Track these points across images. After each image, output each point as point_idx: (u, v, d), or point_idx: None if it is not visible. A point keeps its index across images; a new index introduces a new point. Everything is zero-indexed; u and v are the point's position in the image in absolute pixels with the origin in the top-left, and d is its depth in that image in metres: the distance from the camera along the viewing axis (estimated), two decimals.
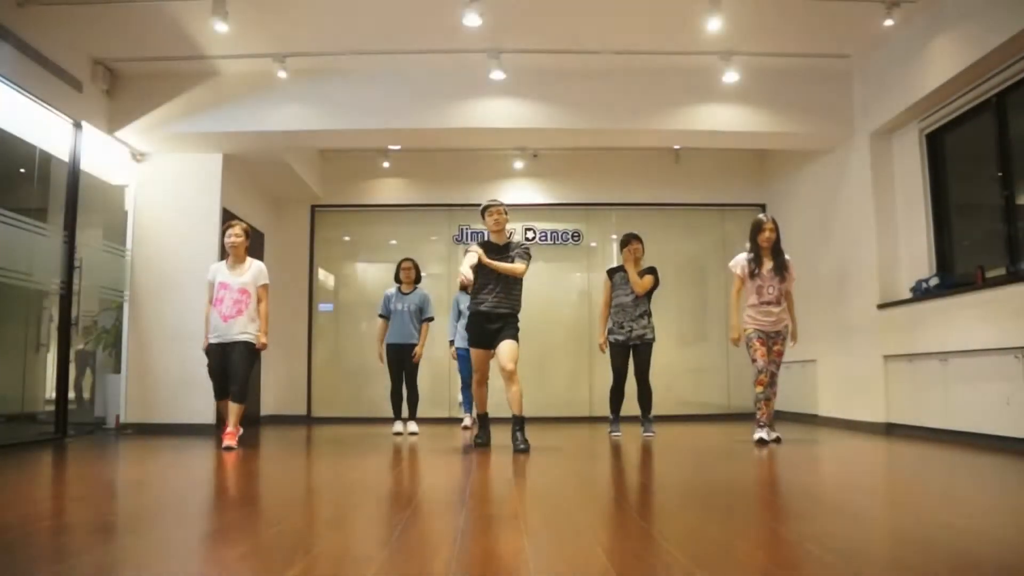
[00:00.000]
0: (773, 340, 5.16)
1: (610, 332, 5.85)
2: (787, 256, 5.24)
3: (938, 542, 2.18)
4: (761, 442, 5.00)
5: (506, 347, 4.81)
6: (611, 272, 5.96)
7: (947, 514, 2.66)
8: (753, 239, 5.21)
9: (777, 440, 5.10)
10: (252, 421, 7.47)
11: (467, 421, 7.01)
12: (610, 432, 5.85)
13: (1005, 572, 1.91)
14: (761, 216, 5.28)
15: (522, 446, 4.69)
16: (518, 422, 4.82)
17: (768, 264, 5.16)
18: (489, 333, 4.89)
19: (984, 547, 2.15)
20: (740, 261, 5.23)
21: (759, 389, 5.11)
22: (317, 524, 2.54)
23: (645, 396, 5.85)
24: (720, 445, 5.07)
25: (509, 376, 4.77)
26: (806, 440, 5.55)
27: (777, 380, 5.19)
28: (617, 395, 5.87)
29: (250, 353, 5.16)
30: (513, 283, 4.92)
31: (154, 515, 2.80)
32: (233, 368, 5.11)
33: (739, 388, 8.15)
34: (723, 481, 3.66)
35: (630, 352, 5.81)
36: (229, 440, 4.98)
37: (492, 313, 4.87)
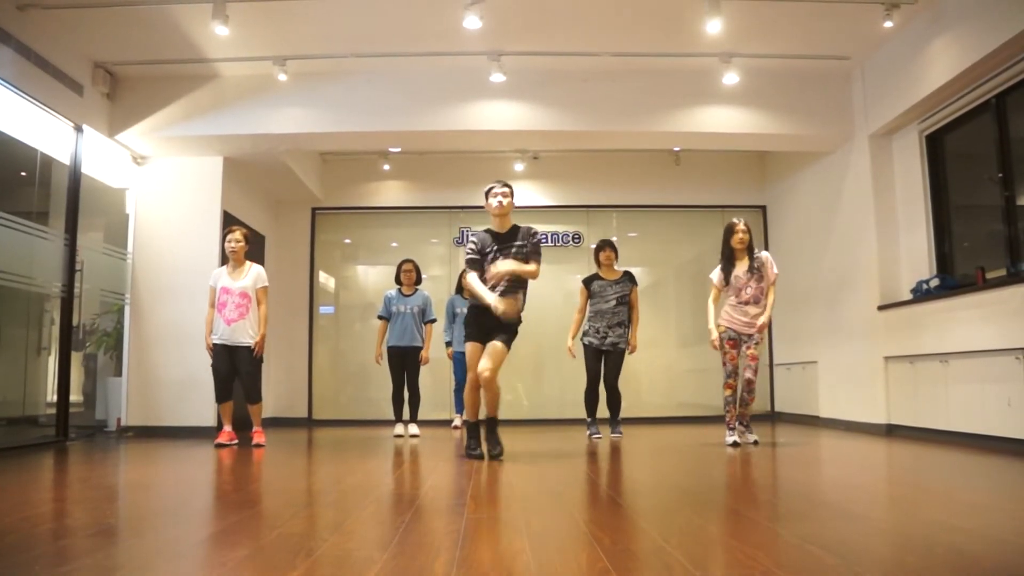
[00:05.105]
0: (747, 344, 5.13)
1: (585, 335, 5.87)
2: (765, 253, 5.22)
3: (939, 543, 2.18)
4: (735, 445, 5.03)
5: (491, 350, 4.35)
6: (587, 281, 5.96)
7: (948, 515, 2.66)
8: (726, 242, 5.22)
9: (755, 443, 5.15)
10: (251, 424, 7.46)
11: (457, 422, 7.06)
12: (589, 435, 5.83)
13: (1006, 573, 1.91)
14: (734, 219, 5.28)
15: (495, 451, 4.42)
16: (492, 423, 4.50)
17: (743, 266, 5.16)
18: (487, 328, 4.44)
19: (985, 548, 2.15)
20: (716, 272, 5.28)
21: (727, 393, 5.16)
22: (319, 526, 2.54)
23: (614, 401, 5.88)
24: (720, 446, 5.06)
25: (485, 384, 4.33)
26: (807, 441, 5.55)
27: (755, 386, 5.12)
28: (592, 397, 5.89)
29: (255, 357, 5.45)
30: (517, 280, 4.48)
31: (156, 518, 2.80)
32: (243, 375, 5.43)
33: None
34: (723, 482, 3.66)
35: (602, 355, 5.83)
36: (258, 438, 5.46)
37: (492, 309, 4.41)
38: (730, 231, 5.21)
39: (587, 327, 5.88)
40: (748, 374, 5.08)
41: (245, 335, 5.39)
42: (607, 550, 2.06)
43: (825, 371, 7.07)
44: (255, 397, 5.48)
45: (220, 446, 5.31)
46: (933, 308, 5.50)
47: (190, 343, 6.45)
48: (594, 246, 6.19)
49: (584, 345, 5.88)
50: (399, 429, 6.23)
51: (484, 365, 4.32)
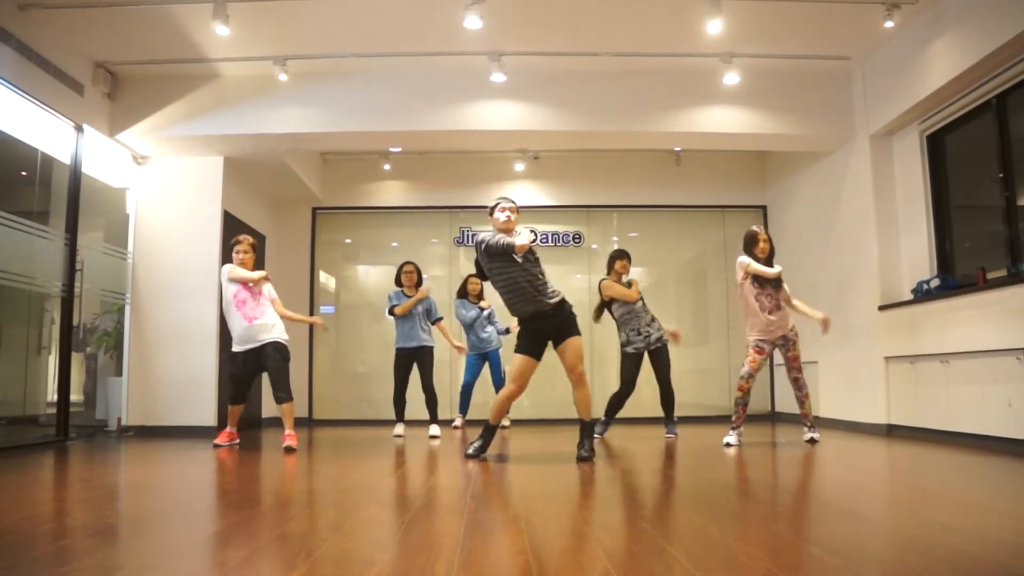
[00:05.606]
0: (785, 348, 5.24)
1: (628, 343, 5.76)
2: (779, 268, 5.31)
3: (939, 544, 2.18)
4: (727, 445, 5.07)
5: (574, 344, 4.34)
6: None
7: (948, 516, 2.66)
8: (749, 251, 5.27)
9: (811, 441, 5.24)
10: (253, 424, 7.47)
11: (458, 422, 7.03)
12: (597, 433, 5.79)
13: (1006, 574, 1.91)
14: (755, 228, 5.37)
15: (585, 454, 4.29)
16: (587, 429, 4.41)
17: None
18: (547, 335, 4.39)
19: (985, 548, 2.15)
20: (744, 260, 5.26)
21: (739, 394, 5.21)
22: (319, 527, 2.54)
23: (670, 399, 5.82)
24: (721, 446, 5.06)
25: (580, 379, 4.35)
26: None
27: (804, 383, 5.31)
28: (620, 402, 5.79)
29: (283, 353, 5.24)
30: (539, 271, 4.41)
31: (156, 518, 2.80)
32: (272, 372, 5.20)
33: None
34: (724, 482, 3.66)
35: (641, 363, 5.76)
36: (290, 441, 5.07)
37: (548, 310, 4.33)
38: (753, 240, 5.28)
39: (625, 337, 5.77)
40: (794, 374, 5.26)
41: (268, 332, 5.21)
42: (607, 550, 2.06)
43: (825, 371, 7.06)
44: (285, 395, 5.17)
45: (219, 447, 5.27)
46: (934, 308, 5.49)
47: (190, 343, 6.46)
48: (609, 255, 6.05)
49: (629, 353, 5.74)
50: (399, 429, 6.22)
51: (576, 361, 4.32)
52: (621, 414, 5.96)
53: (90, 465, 4.47)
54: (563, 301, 4.43)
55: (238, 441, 5.46)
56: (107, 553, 2.15)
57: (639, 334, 5.74)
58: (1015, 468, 3.97)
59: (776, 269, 5.22)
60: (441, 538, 2.27)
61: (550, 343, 4.46)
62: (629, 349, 5.76)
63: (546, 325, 4.37)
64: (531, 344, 4.37)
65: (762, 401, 8.32)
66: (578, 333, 4.41)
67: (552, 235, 8.58)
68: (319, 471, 4.32)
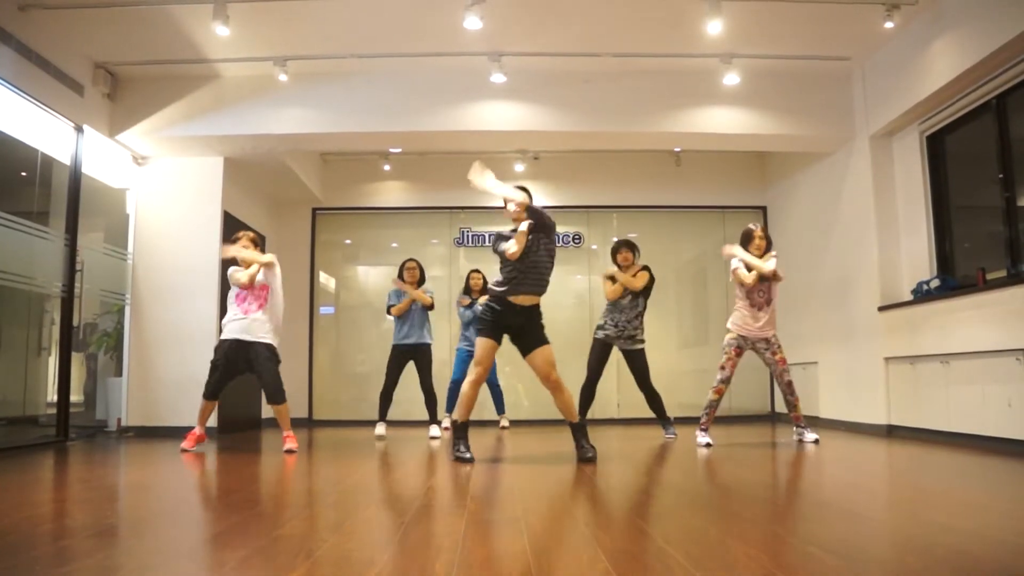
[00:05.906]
0: (768, 350, 5.23)
1: (599, 328, 5.85)
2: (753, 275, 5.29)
3: (939, 544, 2.18)
4: (708, 446, 5.07)
5: (545, 354, 4.31)
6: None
7: (948, 516, 2.66)
8: (744, 248, 5.29)
9: (816, 441, 5.24)
10: (252, 424, 7.48)
11: (447, 423, 6.95)
12: None
13: (1006, 574, 1.91)
14: (751, 225, 5.40)
15: (590, 454, 4.25)
16: (579, 429, 4.37)
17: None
18: (506, 327, 4.36)
19: (985, 549, 2.15)
20: (740, 264, 5.28)
21: (714, 396, 5.22)
22: (319, 527, 2.54)
23: (656, 402, 5.84)
24: (720, 447, 5.07)
25: (556, 385, 4.31)
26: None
27: (794, 386, 5.29)
28: (588, 394, 5.79)
29: (273, 355, 5.21)
30: (548, 265, 4.38)
31: (156, 518, 2.80)
32: (262, 374, 5.14)
33: (740, 390, 8.14)
34: (723, 483, 3.66)
35: (609, 353, 5.83)
36: (290, 443, 5.05)
37: (518, 305, 4.32)
38: (748, 238, 5.31)
39: (603, 320, 5.86)
40: (787, 377, 5.25)
41: (263, 331, 5.16)
42: (607, 550, 2.06)
43: (825, 372, 7.06)
44: (279, 397, 5.13)
45: (187, 451, 5.03)
46: (934, 309, 5.49)
47: (190, 343, 6.46)
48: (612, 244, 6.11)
49: (596, 338, 5.84)
50: (380, 429, 6.17)
51: (549, 368, 4.29)
52: (622, 415, 5.97)
53: (90, 466, 4.47)
54: (536, 309, 4.41)
55: (205, 442, 5.31)
56: (107, 554, 2.15)
57: (615, 325, 5.78)
58: (1015, 468, 3.97)
59: (752, 276, 5.15)
60: (441, 538, 2.27)
61: (520, 350, 4.44)
62: (598, 334, 5.86)
63: (506, 317, 4.35)
64: (492, 329, 4.37)
65: (761, 401, 8.33)
66: (546, 342, 4.37)
67: None
68: (319, 471, 4.32)
